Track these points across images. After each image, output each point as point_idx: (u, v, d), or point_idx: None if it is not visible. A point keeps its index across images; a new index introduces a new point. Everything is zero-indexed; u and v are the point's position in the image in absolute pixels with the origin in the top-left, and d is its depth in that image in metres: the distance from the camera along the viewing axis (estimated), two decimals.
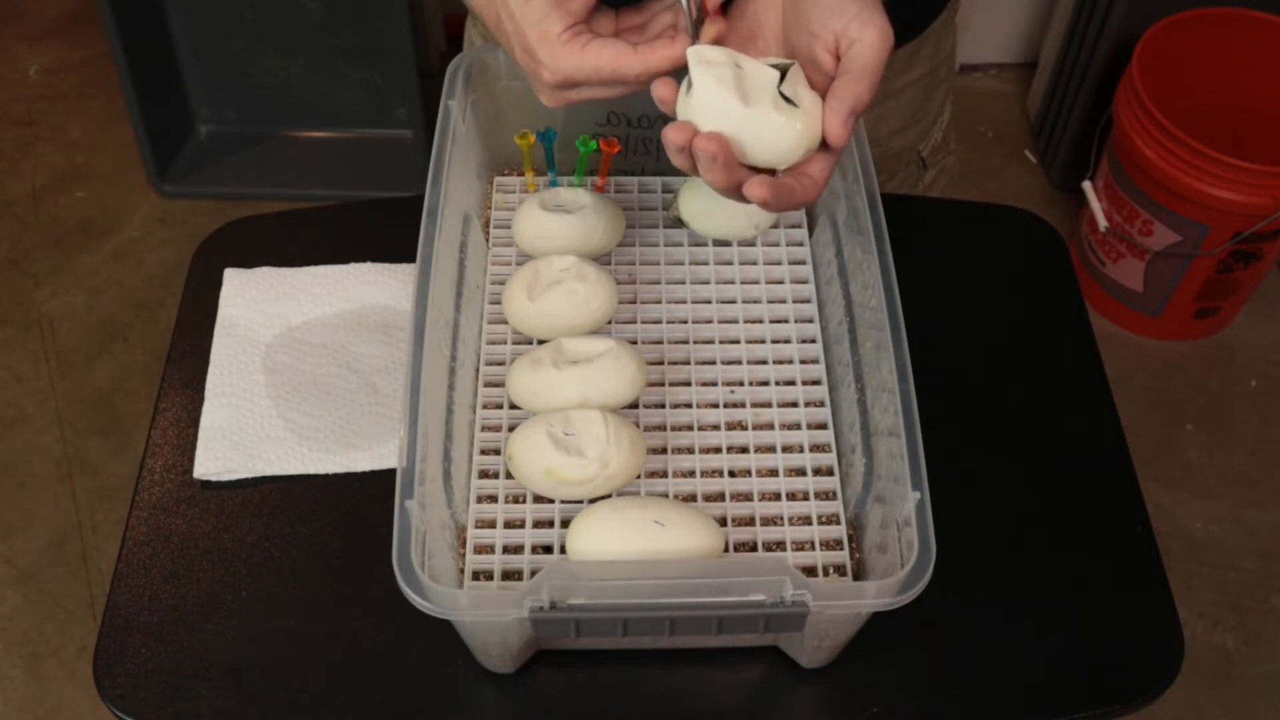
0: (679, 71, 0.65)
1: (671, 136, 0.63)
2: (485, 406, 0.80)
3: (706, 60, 0.63)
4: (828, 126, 0.63)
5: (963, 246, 0.98)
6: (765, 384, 0.82)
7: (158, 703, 0.72)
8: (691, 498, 0.76)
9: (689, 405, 0.81)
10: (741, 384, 0.82)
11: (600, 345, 0.78)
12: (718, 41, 0.67)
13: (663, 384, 0.82)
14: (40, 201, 2.13)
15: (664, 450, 0.78)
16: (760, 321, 0.85)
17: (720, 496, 0.76)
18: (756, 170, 0.64)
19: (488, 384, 0.81)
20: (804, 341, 0.84)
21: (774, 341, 0.84)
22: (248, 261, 0.93)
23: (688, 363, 0.83)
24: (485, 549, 0.74)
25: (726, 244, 0.89)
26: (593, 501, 0.74)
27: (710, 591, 0.62)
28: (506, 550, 0.74)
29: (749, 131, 0.62)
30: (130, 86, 1.98)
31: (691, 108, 0.63)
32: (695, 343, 0.84)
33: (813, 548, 0.74)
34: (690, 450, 0.78)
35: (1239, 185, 1.64)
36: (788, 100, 0.62)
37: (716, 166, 0.62)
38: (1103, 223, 1.84)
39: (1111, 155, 1.82)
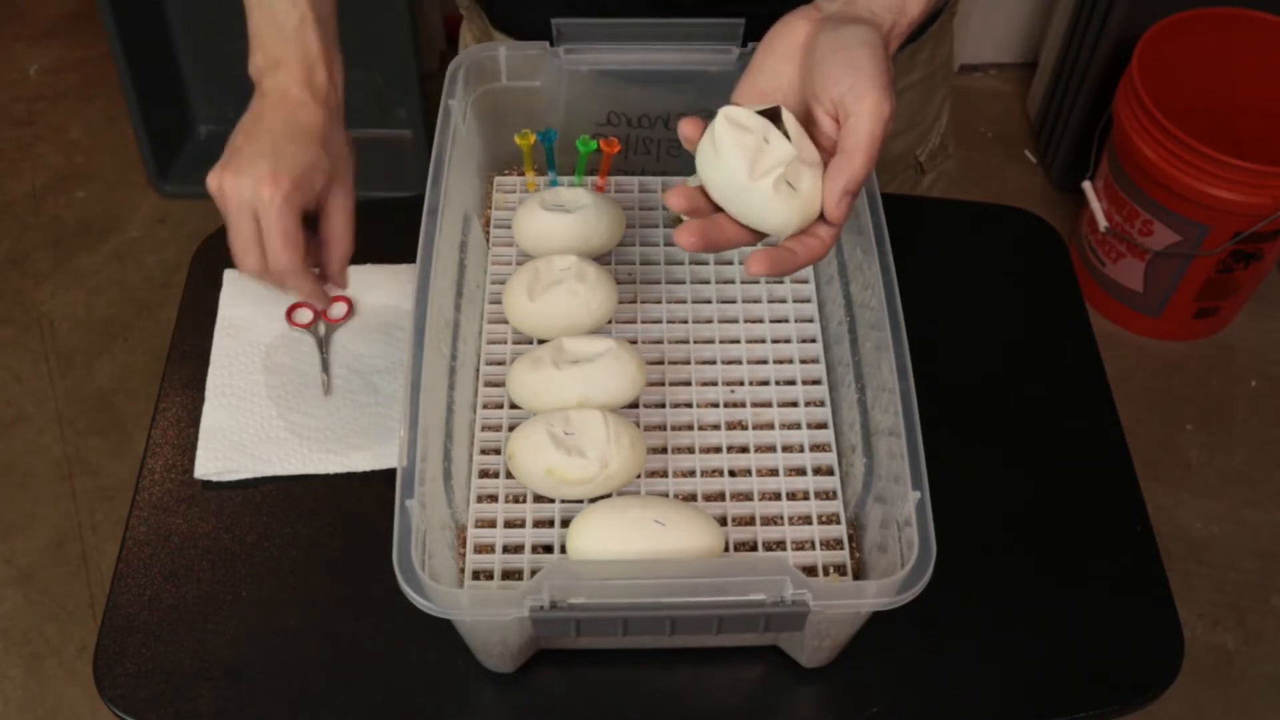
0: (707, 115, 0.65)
1: (671, 201, 0.64)
2: (485, 406, 0.80)
3: (737, 123, 0.64)
4: (826, 204, 0.64)
5: (963, 246, 0.98)
6: (765, 384, 0.82)
7: (158, 703, 0.72)
8: (691, 497, 0.76)
9: (689, 405, 0.81)
10: (741, 384, 0.82)
11: (600, 345, 0.78)
12: None
13: (663, 384, 0.82)
14: (40, 201, 2.14)
15: (664, 450, 0.78)
16: (760, 321, 0.85)
17: (720, 496, 0.76)
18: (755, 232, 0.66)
19: (488, 384, 0.81)
20: (804, 341, 0.84)
21: (774, 341, 0.84)
22: None
23: (688, 363, 0.83)
24: (485, 548, 0.74)
25: None
26: (593, 501, 0.74)
27: (710, 591, 0.62)
28: (506, 550, 0.74)
29: (745, 201, 0.64)
30: (130, 86, 1.98)
31: (705, 159, 0.64)
32: (695, 343, 0.84)
33: (813, 547, 0.74)
34: (690, 450, 0.78)
35: (1239, 185, 1.64)
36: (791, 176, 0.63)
37: (696, 246, 0.64)
38: (1103, 223, 1.84)
39: (1111, 155, 1.82)
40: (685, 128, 0.66)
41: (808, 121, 0.66)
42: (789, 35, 0.68)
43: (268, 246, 0.73)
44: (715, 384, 0.82)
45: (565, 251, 0.83)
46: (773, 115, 0.64)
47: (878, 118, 0.62)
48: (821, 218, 0.65)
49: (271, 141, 0.73)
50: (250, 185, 0.71)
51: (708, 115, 0.65)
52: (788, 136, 0.63)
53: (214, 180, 0.73)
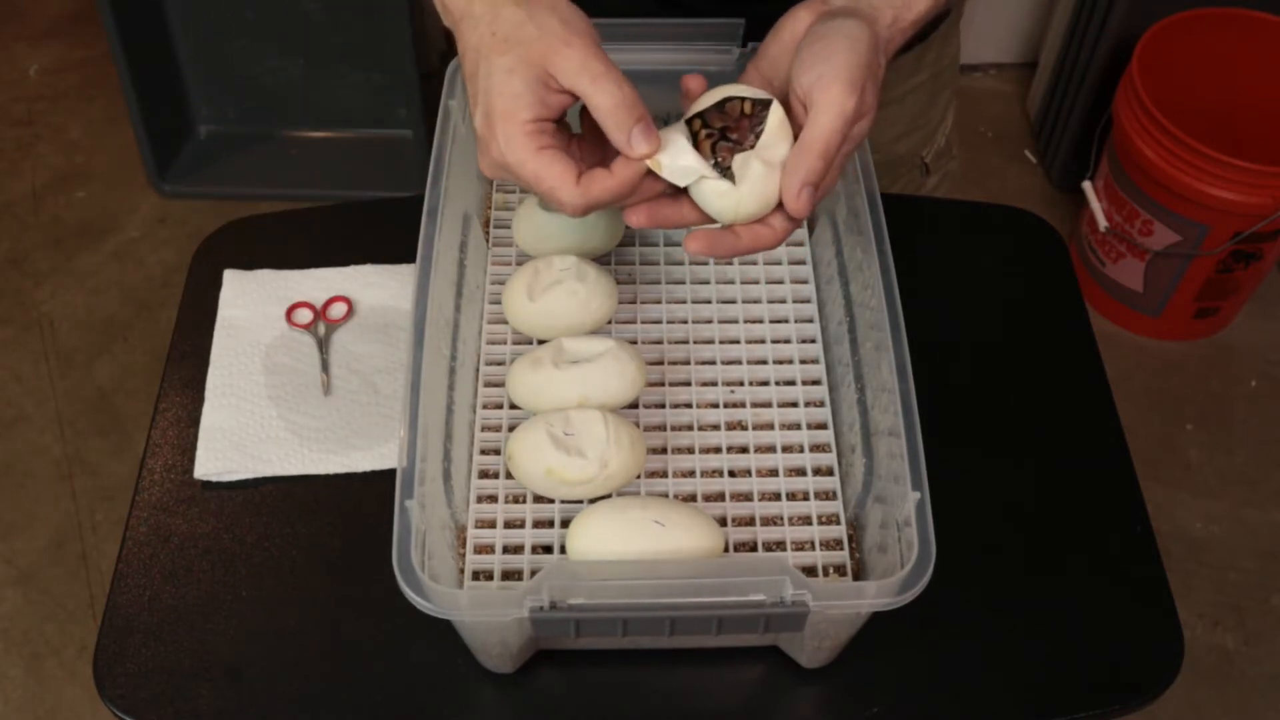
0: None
1: (632, 220, 0.66)
2: (485, 406, 0.80)
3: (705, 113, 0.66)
4: (785, 197, 0.64)
5: (963, 247, 0.98)
6: (765, 384, 0.82)
7: (158, 703, 0.72)
8: (691, 498, 0.76)
9: (689, 405, 0.81)
10: (741, 384, 0.82)
11: (600, 345, 0.78)
12: None
13: (663, 384, 0.82)
14: (40, 201, 2.14)
15: (664, 450, 0.78)
16: (760, 321, 0.85)
17: (720, 496, 0.76)
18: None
19: (488, 384, 0.81)
20: (804, 341, 0.84)
21: (774, 341, 0.84)
22: (248, 261, 0.93)
23: (688, 363, 0.83)
24: (485, 549, 0.74)
25: None
26: (593, 501, 0.74)
27: (710, 591, 0.62)
28: (506, 550, 0.74)
29: (696, 192, 0.66)
30: (130, 86, 1.99)
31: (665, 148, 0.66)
32: (695, 343, 0.84)
33: (813, 548, 0.74)
34: (690, 450, 0.78)
35: (1239, 185, 1.64)
36: (721, 169, 0.65)
37: (643, 223, 0.66)
38: (1103, 223, 1.84)
39: (1111, 155, 1.82)
40: (689, 82, 0.68)
41: (788, 112, 0.66)
42: (791, 26, 0.68)
43: (544, 198, 0.65)
44: (715, 384, 0.82)
45: (565, 252, 0.83)
46: (765, 106, 0.65)
47: (839, 112, 0.62)
48: (781, 209, 0.65)
49: (482, 96, 0.64)
50: (489, 157, 0.65)
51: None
52: (735, 132, 0.65)
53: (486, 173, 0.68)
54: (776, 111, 0.65)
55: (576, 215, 0.65)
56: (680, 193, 0.67)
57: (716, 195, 0.65)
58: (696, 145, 0.65)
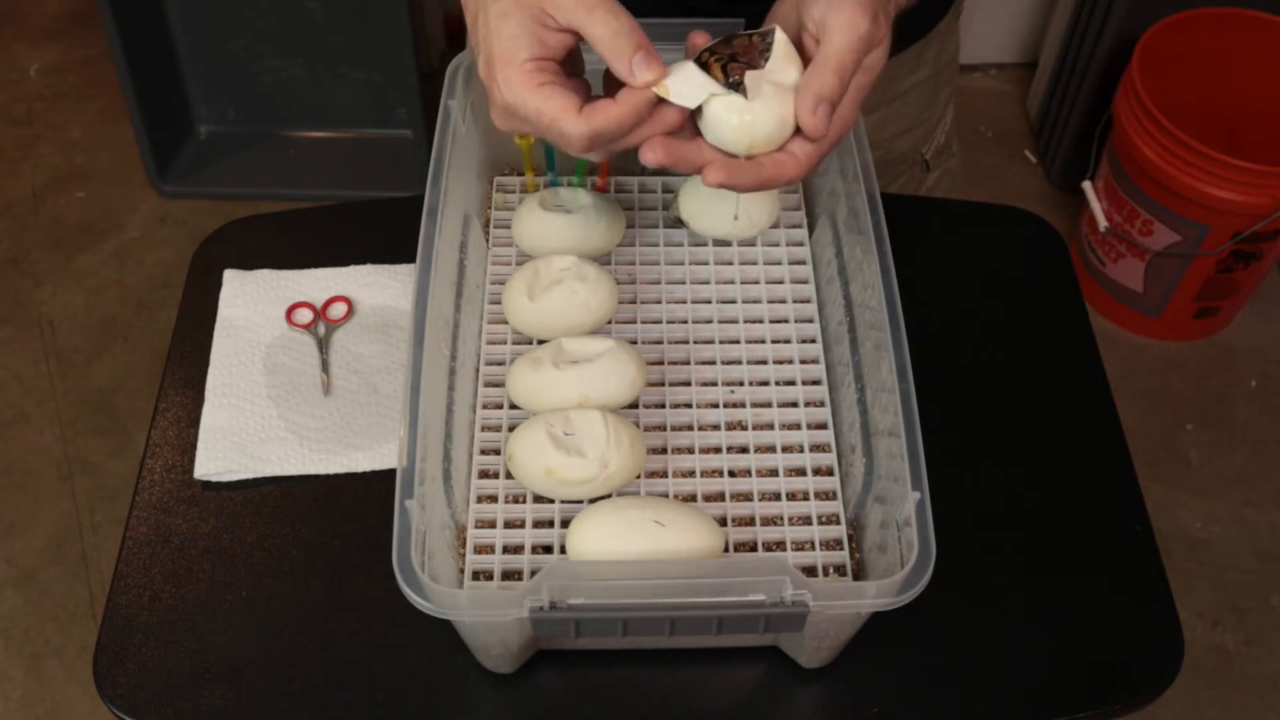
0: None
1: (647, 158, 0.64)
2: (485, 406, 0.80)
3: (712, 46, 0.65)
4: (799, 116, 0.63)
5: (963, 246, 0.98)
6: (765, 384, 0.82)
7: (158, 703, 0.72)
8: (691, 498, 0.76)
9: (689, 405, 0.81)
10: (741, 384, 0.82)
11: (600, 345, 0.78)
12: None
13: (663, 384, 0.82)
14: (40, 201, 2.14)
15: (664, 450, 0.78)
16: (760, 321, 0.85)
17: (720, 496, 0.76)
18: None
19: (488, 384, 0.81)
20: (804, 341, 0.84)
21: (774, 341, 0.84)
22: (248, 261, 0.94)
23: (688, 363, 0.83)
24: (485, 549, 0.74)
25: (726, 244, 0.89)
26: (593, 501, 0.74)
27: (710, 591, 0.62)
28: (506, 550, 0.74)
29: (703, 117, 0.64)
30: (130, 86, 1.99)
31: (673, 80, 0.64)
32: (695, 343, 0.84)
33: (813, 548, 0.74)
34: (690, 450, 0.78)
35: (1239, 185, 1.64)
36: (732, 86, 0.63)
37: (660, 160, 0.63)
38: (1103, 223, 1.84)
39: (1111, 155, 1.82)
40: (695, 37, 0.67)
41: (799, 52, 0.66)
42: None
43: (548, 136, 0.64)
44: (715, 384, 0.82)
45: (565, 252, 0.83)
46: (767, 36, 0.65)
47: (852, 30, 0.62)
48: (799, 134, 0.64)
49: (482, 43, 0.65)
50: (495, 106, 0.65)
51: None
52: (745, 56, 0.64)
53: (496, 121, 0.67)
54: (781, 37, 0.64)
55: (583, 150, 0.64)
56: (697, 135, 0.66)
57: (729, 112, 0.63)
58: (706, 71, 0.64)
